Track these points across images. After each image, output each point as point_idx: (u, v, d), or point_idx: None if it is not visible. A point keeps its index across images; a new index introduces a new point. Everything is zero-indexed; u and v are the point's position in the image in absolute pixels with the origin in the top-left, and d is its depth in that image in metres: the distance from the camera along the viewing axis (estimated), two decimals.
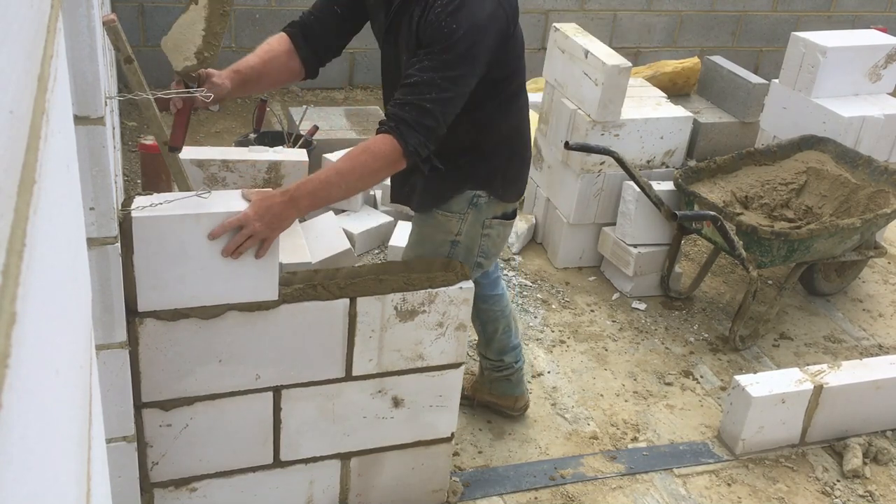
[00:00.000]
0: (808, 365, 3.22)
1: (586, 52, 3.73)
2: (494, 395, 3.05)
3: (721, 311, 3.87)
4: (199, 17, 2.10)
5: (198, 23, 2.09)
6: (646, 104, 3.94)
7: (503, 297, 2.88)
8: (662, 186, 3.69)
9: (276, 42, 2.46)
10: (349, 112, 4.86)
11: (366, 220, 4.01)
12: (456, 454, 2.87)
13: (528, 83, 5.76)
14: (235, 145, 4.10)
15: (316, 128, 4.28)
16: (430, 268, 2.36)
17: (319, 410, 2.33)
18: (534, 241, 4.24)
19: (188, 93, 2.16)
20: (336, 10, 2.46)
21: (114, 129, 2.50)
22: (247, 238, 2.00)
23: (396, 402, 2.41)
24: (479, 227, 2.51)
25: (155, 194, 2.02)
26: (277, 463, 2.36)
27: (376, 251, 4.00)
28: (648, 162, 3.89)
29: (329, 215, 3.90)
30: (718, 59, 5.61)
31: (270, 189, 2.29)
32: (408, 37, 2.25)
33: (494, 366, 2.98)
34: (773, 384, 2.98)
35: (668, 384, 3.37)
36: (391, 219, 4.05)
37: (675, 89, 5.42)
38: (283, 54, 2.44)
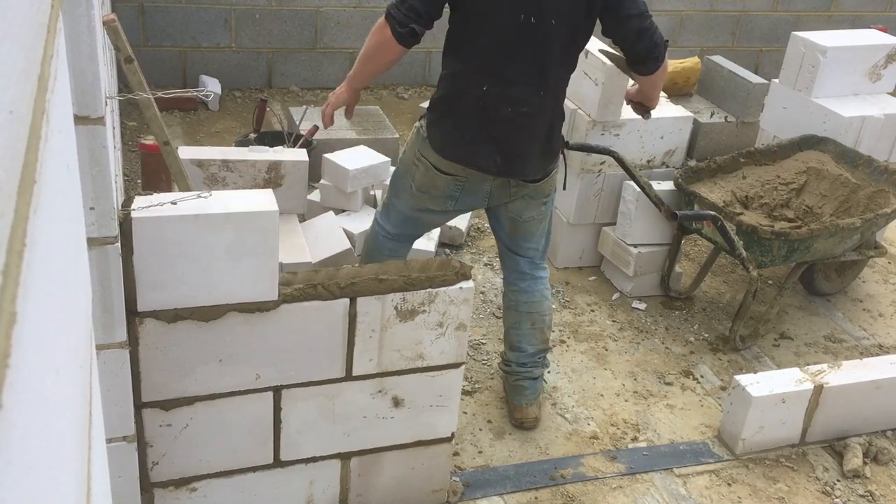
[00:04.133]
0: (808, 365, 3.22)
1: (586, 52, 3.73)
2: (507, 394, 3.11)
3: (721, 311, 3.87)
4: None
5: None
6: None
7: (524, 293, 2.96)
8: (662, 186, 3.69)
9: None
10: None
11: (366, 220, 4.00)
12: (456, 454, 2.87)
13: None
14: (235, 145, 4.10)
15: (316, 128, 4.28)
16: (427, 267, 2.36)
17: (319, 410, 2.33)
18: None
19: (189, 92, 2.17)
20: None
21: (114, 129, 2.50)
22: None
23: (396, 402, 2.41)
24: (414, 153, 2.80)
25: (155, 194, 2.02)
26: (277, 463, 2.37)
27: None
28: (648, 162, 3.89)
29: (329, 215, 3.90)
30: (718, 59, 5.61)
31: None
32: None
33: (504, 359, 3.06)
34: (773, 384, 2.98)
35: (668, 384, 3.37)
36: None
37: (675, 89, 5.42)
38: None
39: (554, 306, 3.76)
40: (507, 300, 3.01)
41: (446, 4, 2.61)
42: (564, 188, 3.12)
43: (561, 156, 2.90)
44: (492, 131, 2.65)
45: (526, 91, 2.63)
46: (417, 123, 2.81)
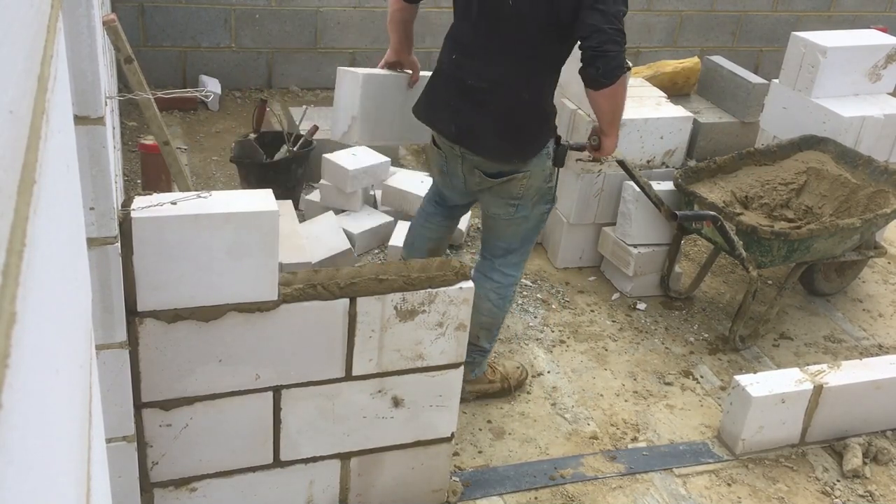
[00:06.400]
0: (808, 365, 3.22)
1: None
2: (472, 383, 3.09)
3: (721, 311, 3.87)
4: None
5: None
6: (646, 104, 3.94)
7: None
8: (662, 186, 3.69)
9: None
10: None
11: (366, 220, 4.01)
12: (456, 454, 2.87)
13: None
14: (235, 145, 4.10)
15: (316, 128, 4.28)
16: (427, 267, 2.36)
17: (319, 410, 2.33)
18: None
19: (189, 92, 2.17)
20: None
21: (114, 129, 2.50)
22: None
23: (396, 402, 2.41)
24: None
25: (155, 194, 2.02)
26: (277, 463, 2.37)
27: (376, 251, 4.00)
28: (648, 162, 3.89)
29: (329, 215, 3.90)
30: (718, 59, 5.61)
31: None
32: None
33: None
34: (773, 384, 2.98)
35: (668, 384, 3.37)
36: (391, 219, 4.05)
37: (675, 89, 5.42)
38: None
39: (553, 306, 3.76)
40: None
41: None
42: (554, 202, 3.00)
43: (550, 164, 2.84)
44: (450, 99, 2.77)
45: (485, 67, 2.69)
46: None
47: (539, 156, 2.78)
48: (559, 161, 2.86)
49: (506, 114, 2.70)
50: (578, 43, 2.62)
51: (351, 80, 3.03)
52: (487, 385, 3.14)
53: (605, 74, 2.57)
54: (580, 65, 2.61)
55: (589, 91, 2.65)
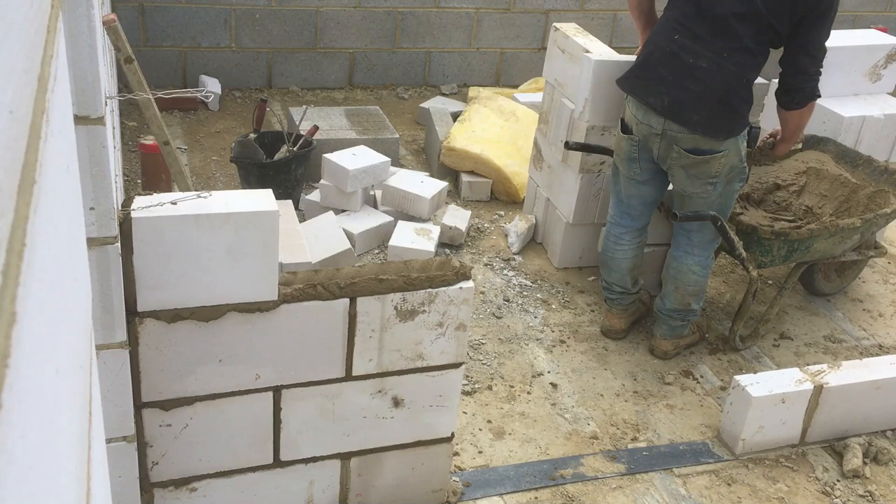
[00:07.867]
0: (808, 365, 3.22)
1: (586, 52, 3.73)
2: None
3: (721, 311, 3.87)
4: None
5: None
6: None
7: (674, 260, 3.37)
8: None
9: None
10: (349, 112, 4.87)
11: (366, 220, 4.01)
12: (456, 454, 2.87)
13: (527, 83, 5.78)
14: (235, 145, 4.10)
15: (316, 128, 4.29)
16: (427, 267, 2.36)
17: (319, 410, 2.33)
18: (534, 241, 4.24)
19: (189, 92, 2.17)
20: None
21: (114, 129, 2.50)
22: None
23: (396, 402, 2.41)
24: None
25: (155, 194, 2.02)
26: (277, 463, 2.37)
27: (376, 251, 4.00)
28: None
29: (329, 215, 3.90)
30: None
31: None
32: None
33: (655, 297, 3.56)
34: (773, 384, 2.98)
35: (668, 384, 3.37)
36: (391, 219, 4.05)
37: None
38: None
39: (554, 306, 3.76)
40: (667, 258, 3.48)
41: None
42: (746, 179, 3.27)
43: (744, 144, 3.11)
44: (668, 74, 3.02)
45: (710, 49, 2.98)
46: None
47: (739, 136, 3.06)
48: (753, 142, 3.17)
49: (724, 91, 2.98)
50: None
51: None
52: (691, 337, 3.52)
53: (798, 103, 3.16)
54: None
55: (780, 109, 3.21)
